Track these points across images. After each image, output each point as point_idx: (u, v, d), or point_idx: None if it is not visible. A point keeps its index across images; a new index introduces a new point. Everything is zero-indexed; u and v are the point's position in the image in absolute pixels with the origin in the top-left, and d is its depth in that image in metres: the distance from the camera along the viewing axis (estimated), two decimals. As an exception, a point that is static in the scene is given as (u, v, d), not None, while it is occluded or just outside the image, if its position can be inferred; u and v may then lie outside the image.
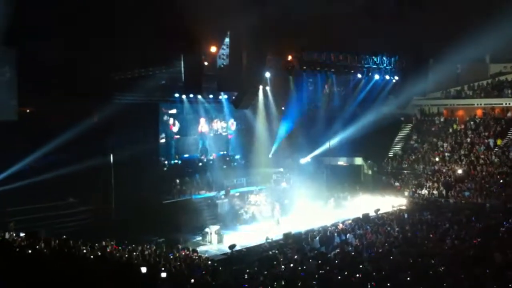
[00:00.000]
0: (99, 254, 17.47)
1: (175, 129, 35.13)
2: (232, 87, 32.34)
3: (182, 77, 29.86)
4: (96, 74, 27.07)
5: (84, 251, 18.63)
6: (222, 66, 30.60)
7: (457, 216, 29.61)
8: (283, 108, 39.07)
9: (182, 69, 29.41)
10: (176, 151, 35.28)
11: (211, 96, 35.27)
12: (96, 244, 19.91)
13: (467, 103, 45.43)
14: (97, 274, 10.44)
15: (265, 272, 18.80)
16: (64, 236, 19.89)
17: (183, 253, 21.55)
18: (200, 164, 36.03)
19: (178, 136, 35.42)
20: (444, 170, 39.87)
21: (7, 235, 19.48)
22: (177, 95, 33.84)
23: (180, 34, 27.73)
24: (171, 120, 34.86)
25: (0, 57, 25.57)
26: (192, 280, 15.69)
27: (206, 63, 30.51)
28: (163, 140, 34.59)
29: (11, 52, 26.13)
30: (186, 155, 35.84)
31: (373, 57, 38.89)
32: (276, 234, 27.16)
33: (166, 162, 34.45)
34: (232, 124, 38.82)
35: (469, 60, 43.57)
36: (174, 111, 34.94)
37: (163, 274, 14.25)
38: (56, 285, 8.86)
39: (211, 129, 37.54)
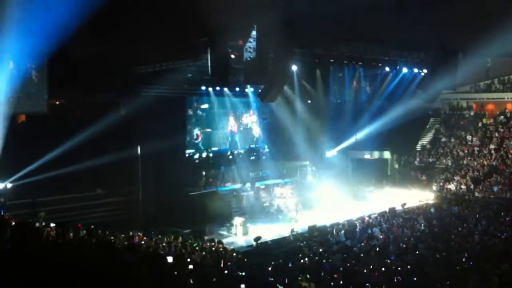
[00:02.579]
0: (127, 243, 17.69)
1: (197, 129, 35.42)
2: (258, 80, 32.30)
3: (209, 70, 29.93)
4: (123, 67, 27.36)
5: (113, 241, 18.87)
6: (249, 59, 30.59)
7: (485, 211, 29.26)
8: (309, 101, 38.93)
9: (209, 62, 29.48)
10: (205, 145, 35.48)
11: (237, 89, 35.31)
12: (122, 235, 20.15)
13: (497, 97, 44.73)
14: (125, 262, 10.58)
15: (290, 264, 18.86)
16: (92, 227, 20.14)
17: (209, 244, 21.71)
18: (230, 157, 36.20)
19: (209, 130, 35.61)
20: (472, 165, 39.36)
21: (37, 224, 19.86)
22: (203, 88, 33.97)
23: (207, 26, 27.79)
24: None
25: (31, 51, 25.91)
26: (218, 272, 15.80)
27: (233, 56, 30.53)
28: (194, 133, 34.85)
29: (42, 46, 26.53)
30: (216, 148, 36.05)
31: (402, 51, 38.49)
32: (302, 227, 27.16)
33: (197, 155, 34.64)
34: (259, 118, 38.83)
35: (499, 54, 42.83)
36: (206, 105, 35.14)
37: (170, 259, 14.41)
38: (83, 274, 9.01)
39: (241, 123, 37.66)
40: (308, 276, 16.69)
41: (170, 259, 14.53)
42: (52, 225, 18.48)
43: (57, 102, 29.55)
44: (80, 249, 13.20)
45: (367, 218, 28.18)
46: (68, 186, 26.62)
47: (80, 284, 8.63)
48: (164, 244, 20.45)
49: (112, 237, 19.70)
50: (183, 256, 17.11)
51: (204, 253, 19.40)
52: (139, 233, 21.84)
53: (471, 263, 19.41)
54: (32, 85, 26.94)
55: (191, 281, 12.33)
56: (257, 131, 38.76)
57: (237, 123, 37.37)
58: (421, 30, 33.73)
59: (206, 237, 24.21)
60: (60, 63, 25.99)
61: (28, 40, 24.22)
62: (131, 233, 21.13)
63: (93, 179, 27.86)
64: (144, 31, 26.35)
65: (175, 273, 12.58)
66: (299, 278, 16.44)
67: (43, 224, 19.24)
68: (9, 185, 25.37)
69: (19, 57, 25.29)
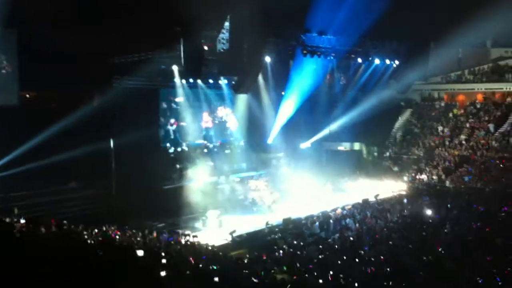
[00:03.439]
0: (100, 239, 17.57)
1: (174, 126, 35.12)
2: (232, 71, 32.24)
3: (182, 62, 29.71)
4: (96, 58, 27.00)
5: (86, 236, 18.73)
6: (222, 50, 30.47)
7: (456, 201, 29.73)
8: (283, 93, 38.94)
9: (182, 53, 29.25)
10: (181, 138, 35.20)
11: (211, 80, 35.11)
12: (96, 230, 19.99)
13: (468, 87, 45.37)
14: (97, 258, 10.51)
15: (265, 257, 18.93)
16: (65, 221, 19.95)
17: (184, 239, 21.66)
18: (206, 150, 36.00)
19: (184, 123, 35.35)
20: (444, 155, 39.90)
21: (8, 220, 19.57)
22: (176, 79, 33.67)
23: (180, 17, 27.56)
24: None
25: (1, 41, 25.43)
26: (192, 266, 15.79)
27: (206, 47, 30.35)
28: (169, 127, 34.57)
29: (12, 36, 26.04)
30: (192, 142, 35.79)
31: (374, 41, 38.71)
32: (276, 220, 27.23)
33: (172, 149, 34.38)
34: (233, 110, 38.66)
35: (470, 45, 43.44)
36: (181, 99, 34.83)
37: (140, 252, 14.40)
38: (54, 269, 8.92)
39: (215, 117, 37.46)
40: (284, 268, 16.81)
41: (140, 252, 14.50)
42: (23, 221, 18.22)
43: (28, 95, 29.06)
44: (51, 244, 13.07)
45: (341, 210, 28.42)
46: (41, 180, 26.23)
47: (51, 279, 8.56)
48: (138, 238, 20.38)
49: (85, 232, 19.54)
50: (157, 250, 17.06)
51: (178, 246, 19.37)
52: (113, 228, 21.69)
53: (443, 252, 19.73)
54: (3, 77, 26.45)
55: (164, 275, 12.31)
56: (232, 124, 38.62)
57: (212, 117, 37.14)
58: (394, 20, 33.98)
59: (180, 231, 24.10)
60: (31, 55, 25.56)
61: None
62: (105, 228, 20.96)
63: (66, 173, 27.48)
64: (118, 21, 26.05)
65: (148, 267, 12.55)
66: (274, 270, 16.55)
67: (15, 220, 18.96)
68: (-21, 180, 24.95)
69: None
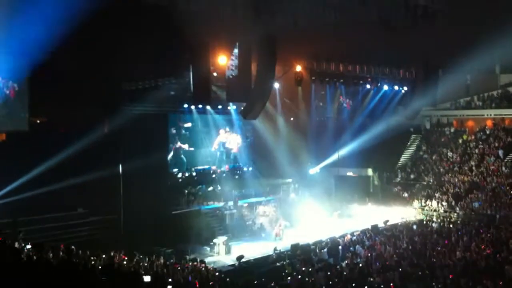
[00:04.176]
0: (106, 264, 17.49)
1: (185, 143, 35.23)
2: (240, 97, 32.36)
3: (191, 88, 29.90)
4: (106, 85, 27.25)
5: (93, 262, 18.68)
6: (231, 76, 30.66)
7: (466, 228, 29.47)
8: (292, 118, 39.06)
9: (191, 79, 29.47)
10: (189, 163, 35.28)
11: (220, 106, 35.32)
12: (104, 255, 19.94)
13: (477, 113, 45.33)
14: (103, 284, 10.47)
15: (273, 284, 18.79)
16: (73, 247, 19.91)
17: (191, 264, 21.56)
18: (214, 175, 36.02)
19: (192, 149, 35.48)
20: (453, 181, 39.67)
21: (16, 245, 19.59)
22: (186, 105, 33.92)
23: (189, 45, 27.83)
24: (177, 141, 34.90)
25: (11, 69, 25.72)
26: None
27: (215, 74, 30.58)
28: (177, 152, 34.70)
29: (22, 63, 26.36)
30: (200, 167, 35.87)
31: (382, 68, 38.86)
32: (284, 245, 27.08)
33: (180, 174, 34.43)
34: (242, 136, 38.78)
35: (479, 71, 43.49)
36: (189, 124, 35.06)
37: (146, 278, 14.32)
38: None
39: (225, 142, 37.58)
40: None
41: (147, 278, 14.43)
42: (29, 246, 18.21)
43: (38, 121, 29.29)
44: (56, 268, 13.04)
45: (349, 236, 28.23)
46: (49, 205, 26.26)
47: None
48: (146, 263, 20.30)
49: (92, 257, 19.49)
50: (164, 275, 16.97)
51: (186, 272, 19.26)
52: (121, 253, 21.63)
53: (453, 279, 19.50)
54: (13, 103, 26.68)
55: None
56: (240, 149, 38.68)
57: (225, 139, 37.23)
58: (403, 47, 34.10)
59: (188, 257, 24.00)
60: (40, 81, 25.81)
61: (7, 58, 24.07)
62: (112, 253, 20.90)
63: (74, 198, 27.51)
64: (127, 48, 26.29)
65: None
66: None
67: (22, 244, 18.97)
68: (-12, 205, 25.02)
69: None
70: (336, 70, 36.38)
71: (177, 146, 34.66)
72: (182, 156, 34.88)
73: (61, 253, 17.83)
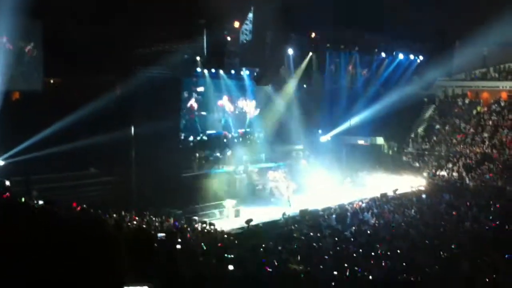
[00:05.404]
0: (117, 222, 17.78)
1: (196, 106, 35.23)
2: (254, 63, 32.30)
3: (205, 52, 29.83)
4: (120, 48, 27.22)
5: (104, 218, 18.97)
6: (245, 41, 30.52)
7: (476, 199, 29.45)
8: (305, 85, 38.89)
9: (205, 44, 29.37)
10: (201, 127, 35.39)
11: (232, 71, 35.19)
12: (114, 215, 20.22)
13: (493, 85, 44.77)
14: (114, 239, 10.61)
15: (280, 248, 18.97)
16: (84, 205, 20.23)
17: (200, 226, 21.83)
18: (225, 140, 36.13)
19: (204, 113, 35.56)
20: (465, 152, 39.52)
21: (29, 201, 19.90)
22: (199, 70, 33.84)
23: (203, 8, 27.66)
24: (192, 102, 34.90)
25: (26, 29, 25.74)
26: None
27: (229, 38, 30.42)
28: (189, 116, 34.80)
29: (37, 25, 26.36)
30: (212, 132, 35.97)
31: (399, 37, 38.50)
32: (293, 211, 27.27)
33: (191, 138, 34.57)
34: (254, 102, 38.70)
35: (496, 43, 42.82)
36: (201, 89, 35.01)
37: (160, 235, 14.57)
38: (74, 243, 9.02)
39: (236, 107, 37.55)
40: (298, 259, 16.85)
41: (161, 235, 14.66)
42: (41, 202, 18.47)
43: (52, 81, 29.42)
44: (71, 221, 13.24)
45: (358, 203, 28.35)
46: (61, 165, 26.54)
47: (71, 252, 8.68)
48: (156, 224, 20.59)
49: (103, 217, 19.77)
50: (173, 235, 17.19)
51: (195, 233, 19.52)
52: (132, 213, 21.92)
53: (460, 250, 19.59)
54: (28, 63, 26.82)
55: (178, 260, 12.42)
56: (252, 114, 38.64)
57: (233, 105, 37.24)
58: (420, 17, 33.69)
59: (197, 219, 24.27)
60: (56, 42, 25.85)
61: (24, 18, 24.09)
62: (123, 213, 21.19)
63: (86, 158, 27.77)
64: (141, 12, 26.22)
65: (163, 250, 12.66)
66: (289, 260, 16.58)
67: (35, 202, 19.26)
68: (1, 162, 25.33)
69: (14, 35, 25.14)
70: (352, 37, 36.12)
71: (193, 111, 34.73)
72: (195, 120, 34.97)
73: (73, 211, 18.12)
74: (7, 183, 23.07)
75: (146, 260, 10.67)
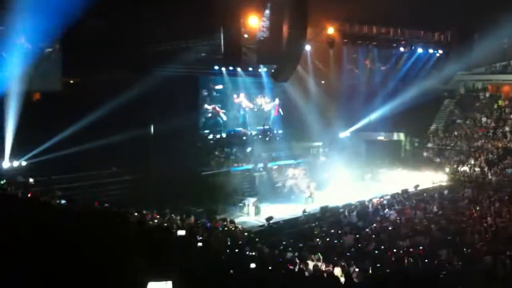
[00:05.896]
0: (140, 220, 17.87)
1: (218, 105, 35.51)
2: (271, 60, 32.14)
3: (222, 50, 29.76)
4: (137, 46, 27.34)
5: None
6: (262, 38, 30.40)
7: (498, 194, 29.11)
8: (323, 82, 38.71)
9: (222, 41, 29.31)
10: (221, 125, 35.59)
11: (250, 69, 35.21)
12: (136, 213, 20.31)
13: (513, 78, 44.18)
14: (136, 236, 10.71)
15: (301, 245, 18.93)
16: (106, 204, 20.35)
17: (221, 223, 21.84)
18: (244, 137, 36.19)
19: (223, 111, 35.65)
20: (487, 147, 39.06)
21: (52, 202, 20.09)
22: (216, 67, 33.91)
23: (220, 5, 27.61)
24: (212, 104, 35.13)
25: (45, 30, 25.95)
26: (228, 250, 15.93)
27: (246, 36, 30.33)
28: (209, 115, 34.98)
29: (55, 25, 26.55)
30: (231, 129, 36.10)
31: (417, 30, 38.10)
32: (313, 208, 27.19)
33: (211, 135, 34.66)
34: (275, 101, 38.72)
35: (516, 36, 42.23)
36: (220, 86, 35.17)
37: (181, 232, 14.59)
38: (94, 245, 9.13)
39: (255, 104, 37.59)
40: (320, 256, 16.77)
41: (182, 232, 14.70)
42: (63, 201, 18.64)
43: (71, 81, 29.64)
44: (93, 219, 13.35)
45: (379, 199, 28.15)
46: (82, 164, 26.77)
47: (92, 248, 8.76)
48: (178, 221, 20.63)
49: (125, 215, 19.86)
50: (194, 233, 17.25)
51: (216, 231, 19.54)
52: (153, 212, 22.00)
53: (483, 245, 19.37)
54: (47, 63, 27.06)
55: (200, 258, 12.44)
56: (271, 112, 38.66)
57: (252, 102, 37.33)
58: (438, 10, 33.28)
59: (218, 216, 24.31)
60: (74, 41, 26.02)
61: (43, 18, 24.28)
62: (145, 212, 21.28)
63: (107, 158, 27.95)
64: (158, 10, 26.26)
65: (184, 247, 12.70)
66: (310, 257, 16.52)
67: (57, 201, 19.42)
68: (24, 163, 25.61)
69: (33, 35, 25.38)
70: (369, 32, 35.82)
71: (212, 109, 34.94)
72: (219, 118, 35.19)
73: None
74: (31, 180, 23.39)
75: (167, 256, 10.72)
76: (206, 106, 35.03)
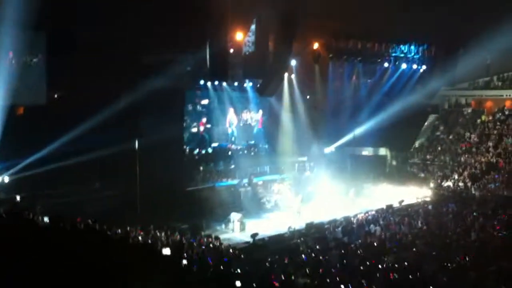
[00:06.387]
0: (123, 238, 17.70)
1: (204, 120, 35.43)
2: (257, 74, 32.24)
3: (207, 64, 29.76)
4: (123, 59, 27.20)
5: (109, 234, 18.89)
6: (248, 53, 30.50)
7: (482, 209, 29.29)
8: (308, 96, 38.84)
9: (208, 55, 29.32)
10: (205, 140, 35.48)
11: (236, 83, 35.23)
12: (119, 230, 20.13)
13: (496, 94, 44.64)
14: (120, 255, 10.56)
15: (286, 261, 18.86)
16: (89, 220, 20.13)
17: (206, 240, 21.70)
18: (230, 152, 36.09)
19: (209, 126, 35.61)
20: (470, 162, 39.36)
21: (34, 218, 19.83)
22: (202, 81, 33.87)
23: (206, 19, 27.65)
24: (203, 119, 35.13)
25: (30, 43, 25.79)
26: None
27: (232, 50, 30.39)
28: (194, 130, 34.88)
29: (40, 37, 26.40)
30: (216, 144, 36.00)
31: (401, 46, 38.45)
32: (299, 224, 27.12)
33: (197, 151, 34.52)
34: (259, 114, 38.70)
35: (499, 51, 42.71)
36: (206, 101, 35.12)
37: (166, 251, 14.46)
38: (79, 265, 9.00)
39: (240, 119, 37.58)
40: (305, 272, 16.73)
41: (166, 251, 14.55)
42: (46, 218, 18.40)
43: (56, 95, 29.41)
44: (76, 238, 13.19)
45: (364, 215, 28.18)
46: (66, 180, 26.50)
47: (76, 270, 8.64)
48: (162, 238, 20.48)
49: (109, 232, 19.68)
50: (179, 250, 17.11)
51: (201, 249, 19.40)
52: (137, 228, 21.80)
53: (467, 259, 19.45)
54: (32, 77, 26.83)
55: (185, 276, 12.34)
56: (256, 126, 38.63)
57: (237, 117, 37.30)
58: (422, 26, 33.63)
59: (203, 233, 24.15)
60: (59, 56, 25.86)
61: (26, 32, 24.15)
62: (128, 228, 21.09)
63: (91, 173, 27.73)
64: (144, 22, 26.19)
65: (169, 266, 12.58)
66: (295, 274, 16.46)
67: (40, 218, 19.19)
68: (6, 179, 25.30)
69: (18, 49, 25.20)
70: (355, 47, 36.09)
71: (197, 124, 34.85)
72: (199, 133, 35.04)
73: (78, 226, 18.03)
74: (18, 198, 23.12)
75: (152, 276, 10.60)
76: (188, 121, 34.79)
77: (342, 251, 21.10)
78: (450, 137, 43.31)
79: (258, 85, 34.00)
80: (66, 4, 24.24)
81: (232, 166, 34.66)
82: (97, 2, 25.16)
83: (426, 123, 45.40)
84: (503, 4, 33.17)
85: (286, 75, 35.13)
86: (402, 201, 31.71)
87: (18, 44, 24.53)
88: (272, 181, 34.97)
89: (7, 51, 24.88)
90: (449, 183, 37.47)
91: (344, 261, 19.50)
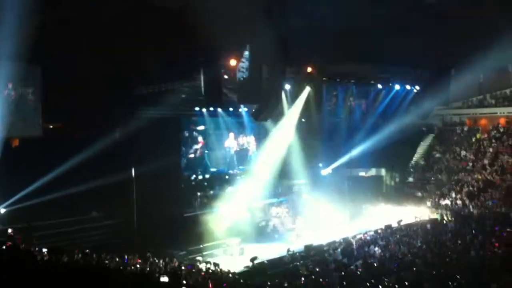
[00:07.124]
0: (121, 267, 17.62)
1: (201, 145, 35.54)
2: (252, 99, 32.48)
3: (202, 91, 30.02)
4: (119, 89, 27.39)
5: (107, 263, 18.80)
6: (242, 79, 30.75)
7: (481, 226, 29.27)
8: (303, 120, 39.00)
9: (202, 82, 29.58)
10: (203, 165, 35.54)
11: (231, 109, 35.43)
12: (117, 259, 20.04)
13: (490, 112, 44.91)
14: (118, 285, 10.53)
15: (286, 284, 18.78)
16: (87, 251, 20.04)
17: (205, 266, 21.60)
18: (227, 177, 36.11)
19: (206, 151, 35.73)
20: (467, 180, 39.42)
21: (32, 249, 19.73)
22: (197, 108, 34.07)
23: (201, 48, 27.94)
24: (199, 138, 35.20)
25: (25, 76, 25.96)
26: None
27: (226, 77, 30.65)
28: (191, 156, 34.94)
29: (35, 70, 26.59)
30: (214, 169, 36.05)
31: (394, 67, 38.82)
32: (298, 247, 27.05)
33: (194, 177, 34.51)
34: (255, 139, 38.80)
35: (491, 69, 43.10)
36: (202, 127, 35.29)
37: (164, 278, 14.40)
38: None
39: (237, 143, 37.69)
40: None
41: (164, 278, 14.50)
42: (44, 250, 18.32)
43: (51, 126, 29.49)
44: (73, 271, 13.13)
45: (363, 236, 28.14)
46: (63, 210, 26.47)
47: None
48: (160, 265, 20.38)
49: (107, 261, 19.60)
50: (178, 278, 17.01)
51: (201, 274, 19.30)
52: (135, 256, 21.70)
53: (468, 278, 19.39)
54: (27, 109, 26.93)
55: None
56: (253, 151, 38.70)
57: (236, 141, 37.42)
58: (415, 47, 33.98)
59: (201, 259, 24.04)
60: (54, 87, 26.00)
61: (21, 64, 24.33)
62: (126, 256, 20.99)
63: (88, 202, 27.68)
64: (140, 53, 26.42)
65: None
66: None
67: (37, 249, 19.10)
68: (2, 210, 25.23)
69: (14, 81, 25.36)
70: (348, 70, 36.40)
71: (194, 150, 34.93)
72: (196, 159, 35.10)
73: (76, 257, 17.96)
74: (10, 231, 23.00)
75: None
76: (184, 148, 34.87)
77: (343, 273, 21.03)
78: (446, 156, 43.43)
79: (253, 110, 34.21)
80: (61, 38, 24.46)
81: (230, 191, 34.59)
82: (91, 35, 25.43)
83: (421, 143, 45.61)
84: (492, 23, 33.58)
85: (284, 98, 35.35)
86: (401, 220, 31.67)
87: (13, 76, 24.68)
88: (270, 204, 34.94)
89: (5, 83, 25.02)
90: (447, 201, 37.44)
91: (345, 282, 19.45)
